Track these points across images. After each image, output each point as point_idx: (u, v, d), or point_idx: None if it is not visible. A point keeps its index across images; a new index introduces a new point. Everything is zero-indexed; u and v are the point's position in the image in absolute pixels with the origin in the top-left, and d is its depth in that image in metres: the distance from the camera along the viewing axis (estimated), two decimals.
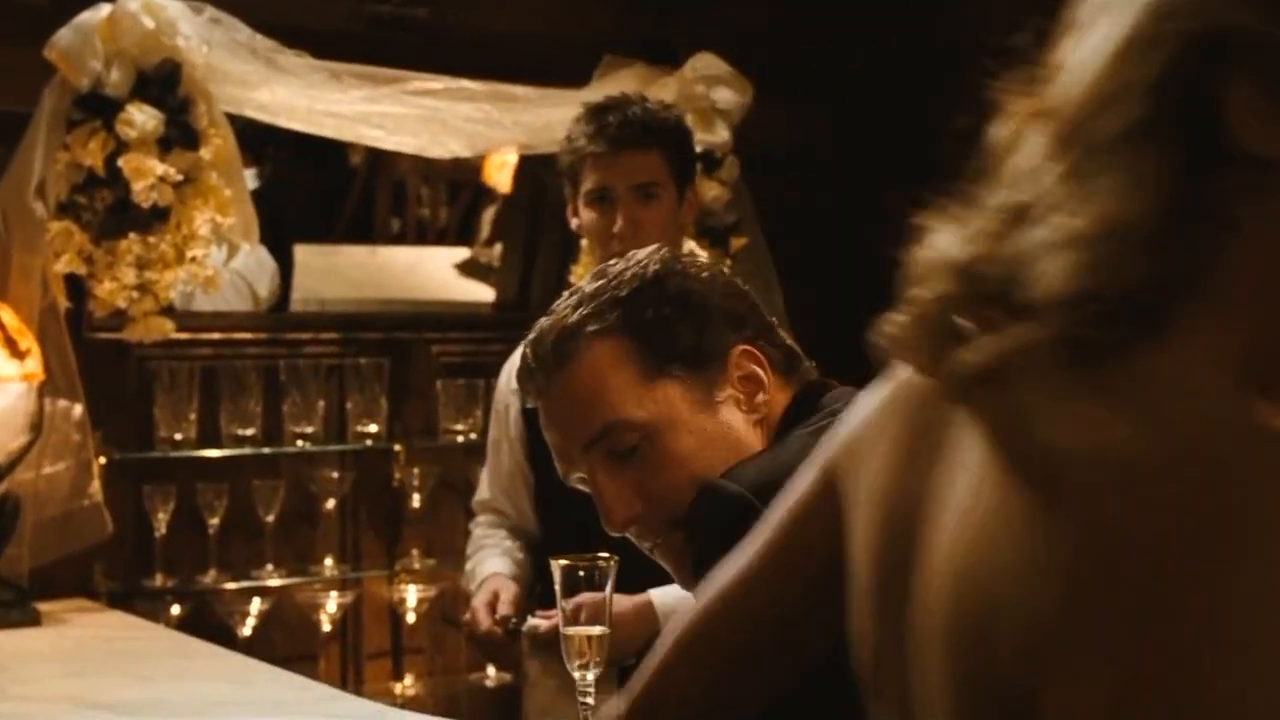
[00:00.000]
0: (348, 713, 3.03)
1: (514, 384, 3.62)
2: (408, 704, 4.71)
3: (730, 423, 2.02)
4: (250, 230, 4.25)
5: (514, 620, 3.37)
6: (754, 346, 2.05)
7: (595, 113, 3.52)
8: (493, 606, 3.42)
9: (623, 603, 3.23)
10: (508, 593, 3.46)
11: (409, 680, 4.96)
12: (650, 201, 3.50)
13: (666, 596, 3.26)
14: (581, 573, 2.57)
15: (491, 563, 3.61)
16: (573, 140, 3.51)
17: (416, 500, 4.90)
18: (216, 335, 4.79)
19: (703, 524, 1.80)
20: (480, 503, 3.77)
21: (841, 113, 5.85)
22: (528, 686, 3.57)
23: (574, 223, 3.60)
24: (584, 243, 3.59)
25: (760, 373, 2.05)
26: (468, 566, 3.71)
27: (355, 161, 7.55)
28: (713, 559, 1.75)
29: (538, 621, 3.30)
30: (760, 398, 2.04)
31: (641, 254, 2.13)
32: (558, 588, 2.58)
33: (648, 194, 3.50)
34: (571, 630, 2.58)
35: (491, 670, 4.93)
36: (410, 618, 4.88)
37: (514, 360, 3.67)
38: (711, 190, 4.94)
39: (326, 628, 4.74)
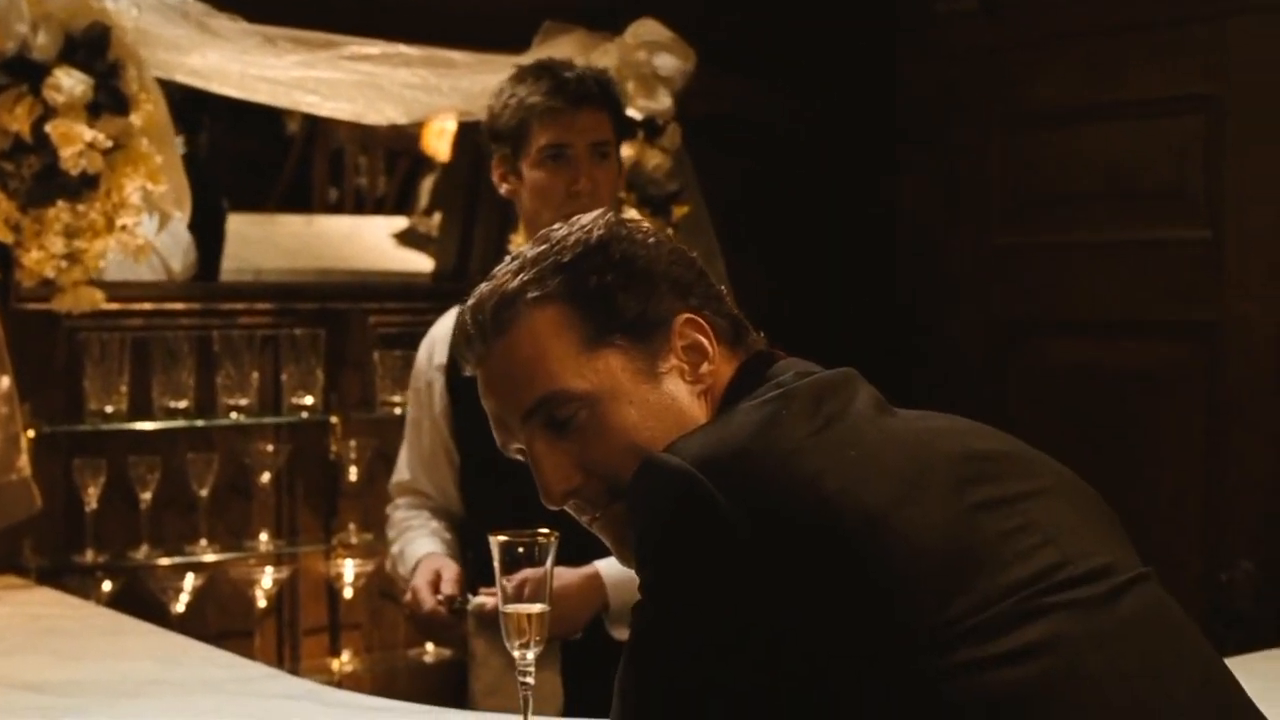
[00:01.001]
0: (280, 691, 2.95)
1: (437, 359, 3.56)
2: (345, 680, 4.71)
3: (673, 393, 1.95)
4: (183, 198, 4.17)
5: (459, 600, 3.31)
6: (699, 315, 1.98)
7: (544, 70, 3.43)
8: (435, 586, 3.35)
9: (568, 575, 3.20)
10: (449, 572, 3.38)
11: (346, 656, 4.91)
12: (604, 161, 3.42)
13: (613, 568, 3.21)
14: (521, 549, 2.49)
15: (422, 543, 3.53)
16: (516, 97, 3.40)
17: (353, 473, 4.83)
18: (148, 305, 4.70)
19: (644, 499, 1.73)
20: (399, 485, 3.67)
21: (786, 78, 5.81)
22: (475, 665, 3.46)
23: (505, 188, 3.48)
24: (523, 208, 3.44)
25: (705, 342, 1.97)
26: (394, 549, 3.61)
27: (292, 130, 7.52)
28: (653, 535, 1.69)
29: (484, 599, 3.24)
30: (705, 368, 1.97)
31: (585, 219, 2.06)
32: (496, 564, 2.51)
33: (603, 153, 3.41)
34: (511, 608, 2.50)
35: (430, 646, 4.86)
36: (347, 593, 4.82)
37: (434, 336, 3.60)
38: (654, 158, 4.92)
39: (262, 604, 4.67)
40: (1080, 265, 5.53)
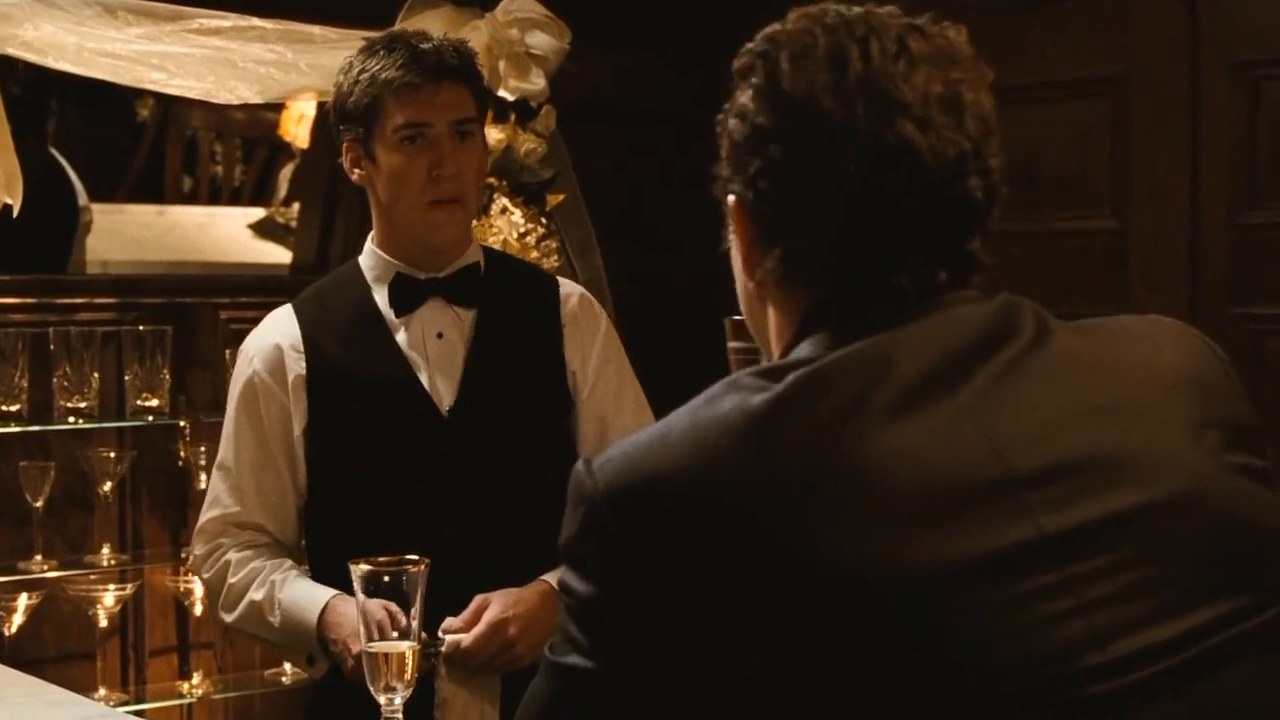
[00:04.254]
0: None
1: (278, 356, 3.19)
2: (196, 705, 4.54)
3: None
4: (13, 185, 3.94)
5: (431, 643, 2.87)
6: None
7: (398, 42, 3.13)
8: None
9: (524, 595, 2.98)
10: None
11: (197, 679, 4.66)
12: (468, 141, 3.14)
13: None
14: (386, 578, 2.24)
15: (309, 586, 3.09)
16: (368, 72, 3.10)
17: (203, 481, 4.53)
18: None
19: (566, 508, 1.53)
20: (223, 519, 3.21)
21: (669, 57, 5.67)
22: (443, 711, 3.11)
23: (357, 174, 3.18)
24: (377, 196, 3.14)
25: None
26: (254, 597, 3.13)
27: (144, 115, 7.46)
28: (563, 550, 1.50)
29: (457, 636, 2.93)
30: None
31: None
32: (358, 596, 2.24)
33: (465, 132, 3.13)
34: (377, 647, 2.23)
35: (288, 667, 4.59)
36: (198, 610, 4.55)
37: (264, 336, 3.22)
38: (527, 143, 4.75)
39: (104, 624, 4.38)
40: None
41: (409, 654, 2.27)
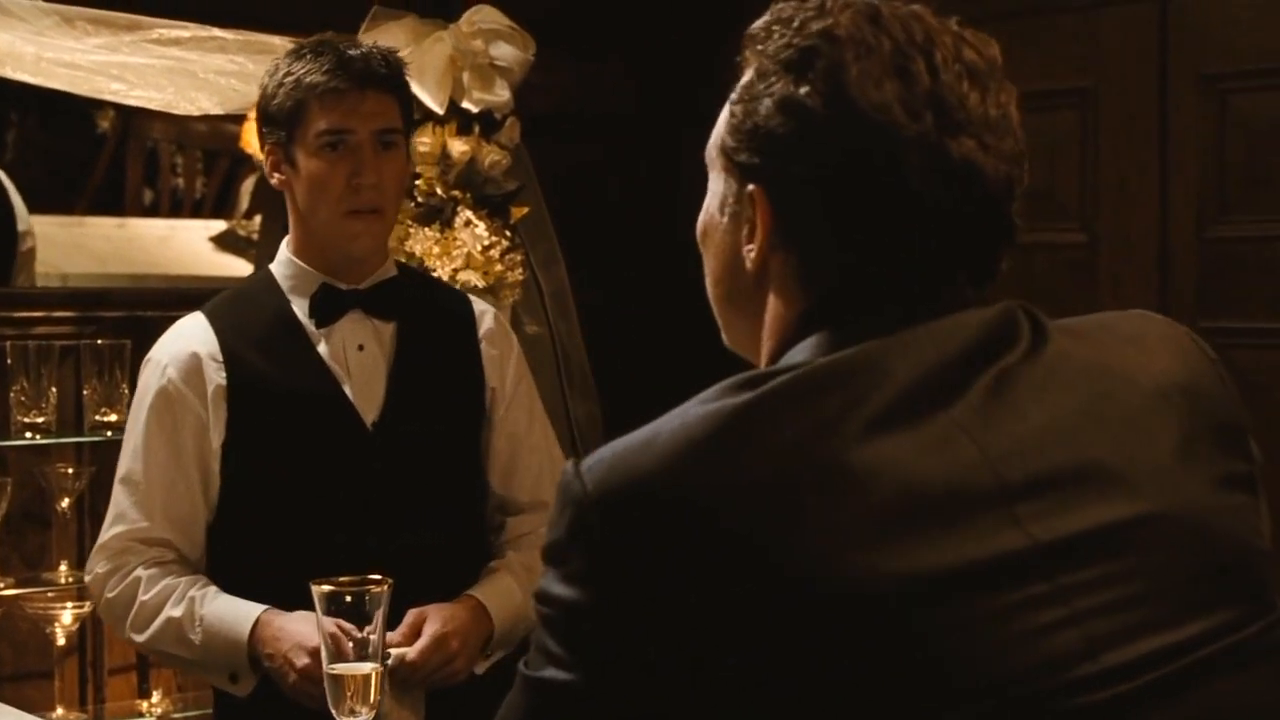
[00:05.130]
0: None
1: (196, 366, 3.10)
2: None
3: None
4: None
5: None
6: None
7: (326, 47, 3.09)
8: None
9: (455, 610, 2.97)
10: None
11: (157, 697, 4.57)
12: (390, 151, 3.09)
13: (491, 593, 3.03)
14: (349, 599, 2.19)
15: (232, 601, 3.02)
16: (293, 75, 3.05)
17: None
18: None
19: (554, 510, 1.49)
20: (129, 534, 3.11)
21: (635, 69, 5.66)
22: None
23: (276, 178, 3.13)
24: (295, 203, 3.10)
25: None
26: (170, 614, 3.03)
27: (104, 127, 7.40)
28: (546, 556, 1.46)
29: (402, 650, 2.88)
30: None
31: None
32: (319, 617, 2.19)
33: (388, 142, 3.08)
34: (340, 669, 2.18)
35: None
36: None
37: (179, 345, 3.13)
38: (491, 155, 4.72)
39: (62, 641, 4.29)
40: None
41: (374, 675, 2.22)
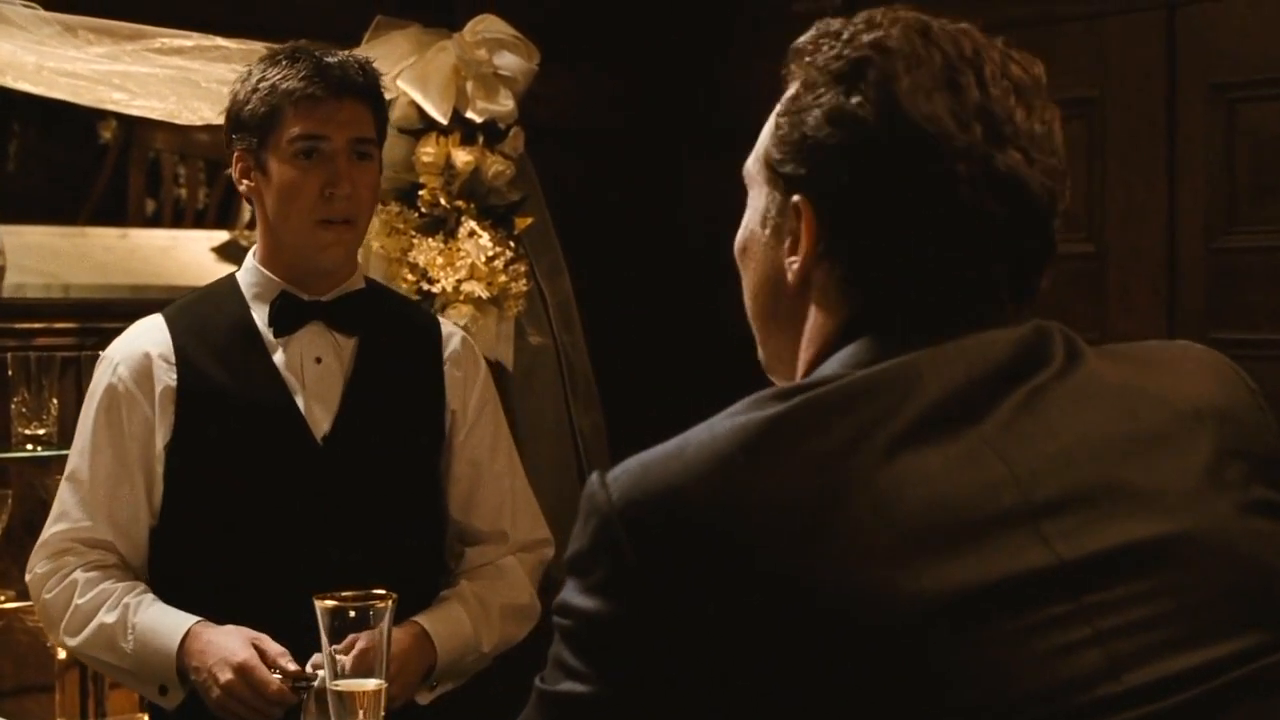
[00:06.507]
0: None
1: (146, 365, 3.06)
2: None
3: None
4: None
5: (304, 678, 2.74)
6: None
7: (302, 53, 3.06)
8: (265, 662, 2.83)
9: (396, 634, 2.82)
10: (268, 642, 2.83)
11: None
12: (365, 162, 3.07)
13: (436, 621, 2.97)
14: (353, 614, 2.18)
15: (165, 610, 2.98)
16: (268, 81, 3.03)
17: None
18: None
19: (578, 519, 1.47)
20: (70, 533, 3.08)
21: (638, 79, 5.65)
22: None
23: (245, 185, 3.11)
24: (264, 211, 3.08)
25: None
26: (104, 619, 2.99)
27: (106, 137, 7.39)
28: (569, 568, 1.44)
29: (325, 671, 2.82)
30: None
31: None
32: (323, 634, 2.17)
33: (363, 152, 3.06)
34: (344, 685, 2.16)
35: None
36: None
37: (132, 344, 3.11)
38: (495, 165, 4.71)
39: (62, 655, 4.25)
40: None
41: (375, 692, 2.20)
